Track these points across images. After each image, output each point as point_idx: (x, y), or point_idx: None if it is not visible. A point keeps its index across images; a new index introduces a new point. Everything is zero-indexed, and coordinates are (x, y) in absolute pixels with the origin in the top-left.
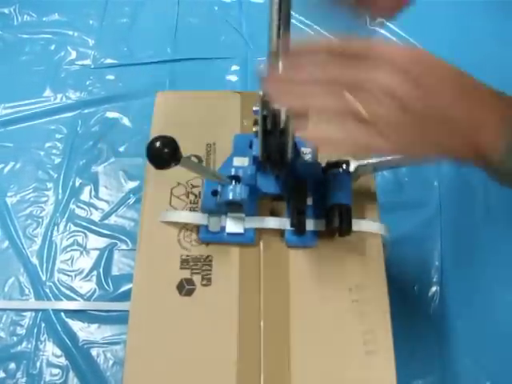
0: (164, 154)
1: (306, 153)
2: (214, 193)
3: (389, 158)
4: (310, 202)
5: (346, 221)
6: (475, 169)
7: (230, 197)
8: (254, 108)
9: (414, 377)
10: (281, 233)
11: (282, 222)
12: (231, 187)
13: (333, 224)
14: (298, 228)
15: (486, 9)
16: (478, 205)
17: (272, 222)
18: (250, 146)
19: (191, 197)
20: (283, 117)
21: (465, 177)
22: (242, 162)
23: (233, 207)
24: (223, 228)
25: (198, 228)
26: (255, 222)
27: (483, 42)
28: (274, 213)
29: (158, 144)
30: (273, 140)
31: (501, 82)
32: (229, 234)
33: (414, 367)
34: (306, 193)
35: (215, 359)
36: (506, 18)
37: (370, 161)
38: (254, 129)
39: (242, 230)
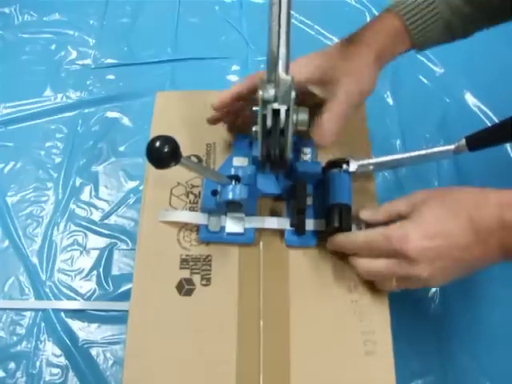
0: (164, 153)
1: (306, 153)
2: (214, 193)
3: (388, 158)
4: (309, 201)
5: (345, 220)
6: (475, 168)
7: (230, 197)
8: (254, 108)
9: (413, 377)
10: (280, 233)
11: (282, 222)
12: (231, 187)
13: (333, 224)
14: (298, 228)
15: None
16: None
17: (272, 222)
18: (250, 146)
19: (191, 197)
20: (283, 116)
21: (465, 177)
22: (241, 162)
23: (233, 207)
24: (223, 228)
25: (197, 228)
26: (255, 222)
27: (484, 41)
28: (273, 213)
29: (157, 144)
30: (272, 140)
31: (502, 81)
32: (229, 233)
33: (414, 367)
34: (305, 193)
35: (215, 359)
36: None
37: (370, 160)
38: (253, 129)
39: (241, 230)
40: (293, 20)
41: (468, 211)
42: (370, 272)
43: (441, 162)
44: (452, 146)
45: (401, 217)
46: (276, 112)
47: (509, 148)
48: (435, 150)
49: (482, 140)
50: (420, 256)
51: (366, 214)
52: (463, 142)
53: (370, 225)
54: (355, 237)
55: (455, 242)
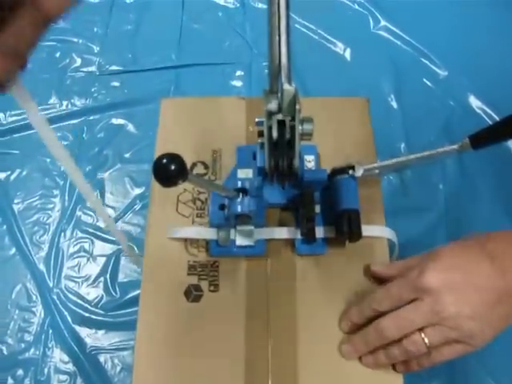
0: (171, 171)
1: (310, 160)
2: (222, 207)
3: (393, 161)
4: (317, 209)
5: (355, 226)
6: (480, 171)
7: (239, 210)
8: (257, 119)
9: (420, 380)
10: (288, 241)
11: (292, 232)
12: (239, 200)
13: (343, 230)
14: (308, 236)
15: (490, 8)
16: (484, 208)
17: (282, 232)
18: (254, 158)
19: (198, 203)
20: (288, 127)
21: (470, 180)
22: (245, 173)
23: (241, 220)
24: (233, 241)
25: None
26: (265, 234)
27: (488, 43)
28: (281, 223)
29: (164, 161)
30: (280, 151)
31: (506, 83)
32: (239, 246)
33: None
34: (313, 200)
35: (223, 365)
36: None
37: (376, 164)
38: (258, 140)
39: (252, 243)
40: (296, 24)
41: (479, 241)
42: (400, 328)
43: (446, 165)
44: (456, 146)
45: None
46: (281, 123)
47: (511, 145)
48: (439, 150)
49: (485, 138)
50: (442, 287)
51: (378, 268)
52: (467, 140)
53: (381, 281)
54: (372, 295)
55: (477, 277)
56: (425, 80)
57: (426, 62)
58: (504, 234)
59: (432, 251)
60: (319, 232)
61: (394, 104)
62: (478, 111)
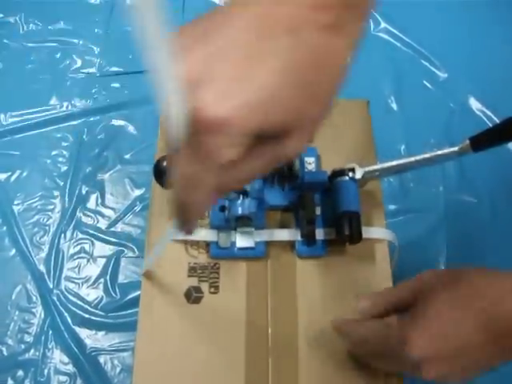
0: None
1: (310, 162)
2: (222, 208)
3: (394, 163)
4: (318, 211)
5: (356, 228)
6: (480, 173)
7: (240, 211)
8: None
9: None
10: (289, 243)
11: (292, 233)
12: (239, 202)
13: (343, 232)
14: (309, 238)
15: (490, 10)
16: (484, 210)
17: (282, 234)
18: None
19: None
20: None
21: (470, 182)
22: None
23: (242, 222)
24: (233, 243)
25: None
26: (265, 235)
27: (488, 45)
28: (282, 224)
29: (164, 164)
30: None
31: (507, 84)
32: (239, 248)
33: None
34: (314, 202)
35: (223, 367)
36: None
37: (376, 167)
38: None
39: (252, 244)
40: None
41: (483, 308)
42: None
43: (446, 167)
44: (456, 148)
45: (405, 305)
46: None
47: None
48: (439, 152)
49: (485, 140)
50: (424, 361)
51: (364, 306)
52: (467, 142)
53: None
54: (353, 332)
55: (467, 343)
56: (425, 82)
57: (426, 63)
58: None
59: (425, 297)
60: (319, 234)
61: (394, 106)
62: (478, 113)
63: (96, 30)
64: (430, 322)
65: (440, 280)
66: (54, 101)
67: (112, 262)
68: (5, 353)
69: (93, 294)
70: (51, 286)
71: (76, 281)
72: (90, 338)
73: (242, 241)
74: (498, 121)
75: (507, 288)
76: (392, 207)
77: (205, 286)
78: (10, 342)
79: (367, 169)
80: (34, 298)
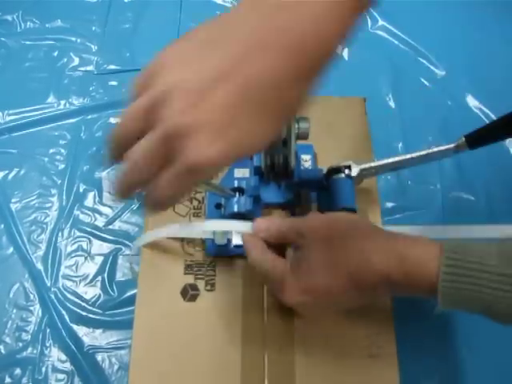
0: None
1: (306, 159)
2: (218, 206)
3: (390, 160)
4: (314, 208)
5: None
6: (476, 169)
7: (236, 209)
8: None
9: (417, 379)
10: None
11: None
12: (236, 199)
13: None
14: None
15: (488, 8)
16: (481, 208)
17: None
18: (250, 157)
19: (194, 202)
20: (284, 127)
21: (467, 179)
22: (242, 173)
23: (238, 219)
24: (229, 240)
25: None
26: None
27: (486, 43)
28: None
29: None
30: (276, 151)
31: (505, 82)
32: (235, 246)
33: (417, 370)
34: (309, 200)
35: (219, 364)
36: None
37: (372, 164)
38: None
39: None
40: None
41: (349, 271)
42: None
43: (442, 164)
44: (452, 145)
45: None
46: None
47: (509, 145)
48: (436, 149)
49: (481, 137)
50: (295, 307)
51: (258, 229)
52: (463, 140)
53: None
54: (248, 255)
55: (334, 297)
56: (422, 80)
57: (424, 61)
58: (373, 271)
59: (304, 246)
60: None
61: (392, 103)
62: (476, 111)
63: (93, 28)
64: (304, 277)
65: (318, 233)
66: (51, 99)
67: (109, 259)
68: (2, 351)
69: (90, 292)
70: (49, 284)
71: (73, 279)
72: (88, 335)
73: (238, 238)
74: (495, 118)
75: (374, 261)
76: (389, 205)
77: (201, 284)
78: (7, 340)
79: (363, 166)
80: (32, 296)
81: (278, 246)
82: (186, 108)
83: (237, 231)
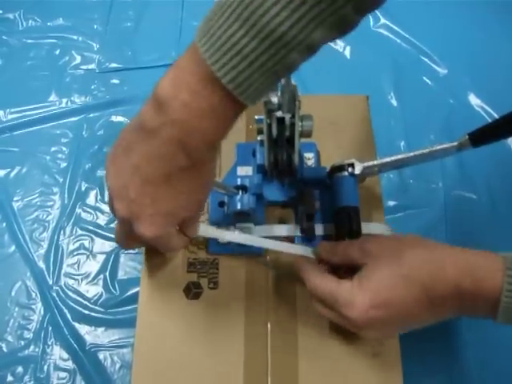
0: None
1: (310, 157)
2: (221, 204)
3: (393, 158)
4: (317, 206)
5: (355, 223)
6: (478, 168)
7: (239, 207)
8: (257, 117)
9: (420, 378)
10: (288, 239)
11: (291, 229)
12: (239, 197)
13: (343, 227)
14: (308, 233)
15: (490, 7)
16: (484, 206)
17: (281, 230)
18: (254, 155)
19: None
20: (288, 124)
21: (470, 178)
22: (245, 171)
23: (241, 217)
24: None
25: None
26: (264, 231)
27: (488, 42)
28: (281, 220)
29: None
30: (279, 148)
31: (507, 80)
32: (238, 244)
33: (421, 368)
34: (313, 198)
35: (222, 362)
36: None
37: (375, 162)
38: (258, 137)
39: None
40: None
41: (422, 281)
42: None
43: (445, 164)
44: (455, 143)
45: (354, 263)
46: (281, 120)
47: (511, 144)
48: (438, 147)
49: (484, 135)
50: (366, 325)
51: (324, 250)
52: (466, 138)
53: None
54: (307, 281)
55: (406, 311)
56: (425, 78)
57: (426, 60)
58: (448, 275)
59: (370, 263)
60: (318, 229)
61: (394, 102)
62: (478, 109)
63: (95, 27)
64: (374, 291)
65: (384, 248)
66: (53, 97)
67: (111, 258)
68: (4, 349)
69: (92, 290)
70: (51, 283)
71: (75, 277)
72: (90, 334)
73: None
74: (497, 117)
75: (447, 264)
76: (392, 203)
77: (204, 282)
78: (9, 338)
79: (366, 164)
80: (34, 295)
81: (334, 271)
82: (120, 205)
83: (297, 254)
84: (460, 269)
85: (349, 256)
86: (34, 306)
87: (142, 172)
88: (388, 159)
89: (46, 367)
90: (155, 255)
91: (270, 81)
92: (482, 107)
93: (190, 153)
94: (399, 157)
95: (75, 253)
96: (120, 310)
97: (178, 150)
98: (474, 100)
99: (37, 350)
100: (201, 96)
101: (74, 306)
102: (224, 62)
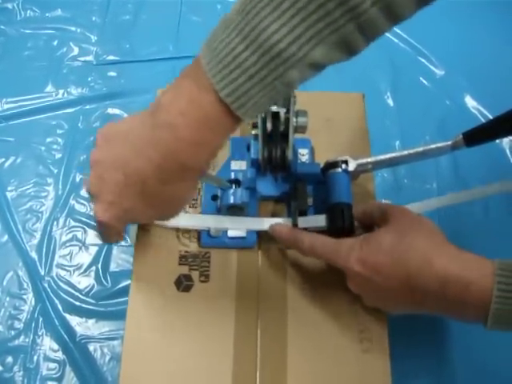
0: None
1: (304, 153)
2: (214, 197)
3: (387, 156)
4: (310, 202)
5: (348, 219)
6: (473, 168)
7: (232, 201)
8: None
9: (409, 375)
10: None
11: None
12: (232, 191)
13: (336, 223)
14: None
15: (488, 9)
16: (477, 208)
17: (272, 223)
18: (248, 149)
19: None
20: (282, 119)
21: (463, 178)
22: (239, 165)
23: (234, 211)
24: (224, 232)
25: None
26: (256, 224)
27: (486, 44)
28: (274, 215)
29: None
30: (273, 143)
31: (503, 83)
32: (230, 237)
33: (410, 366)
34: (306, 194)
35: (212, 355)
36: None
37: (369, 159)
38: (253, 132)
39: (244, 234)
40: None
41: (408, 268)
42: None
43: (439, 163)
44: (449, 142)
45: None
46: (275, 115)
47: (505, 146)
48: (433, 146)
49: (478, 135)
50: (353, 278)
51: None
52: (460, 137)
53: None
54: (305, 237)
55: (386, 287)
56: (421, 79)
57: (424, 60)
58: (434, 276)
59: (384, 224)
60: None
61: (390, 102)
62: (474, 111)
63: (93, 19)
64: (373, 249)
65: (403, 219)
66: (49, 88)
67: (104, 250)
68: None
69: (84, 282)
70: (43, 273)
71: (68, 268)
72: (81, 325)
73: (233, 230)
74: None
75: (437, 266)
76: (386, 202)
77: (195, 275)
78: None
79: (360, 161)
80: (25, 285)
81: None
82: (93, 178)
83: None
84: (449, 269)
85: (371, 215)
86: (25, 297)
87: (125, 164)
88: (382, 157)
89: (35, 358)
90: (146, 247)
91: (269, 97)
92: (478, 109)
93: (171, 165)
94: (393, 155)
95: (68, 244)
96: (111, 302)
97: (163, 157)
98: (470, 102)
99: (27, 340)
100: (198, 106)
101: (66, 297)
102: (224, 75)
